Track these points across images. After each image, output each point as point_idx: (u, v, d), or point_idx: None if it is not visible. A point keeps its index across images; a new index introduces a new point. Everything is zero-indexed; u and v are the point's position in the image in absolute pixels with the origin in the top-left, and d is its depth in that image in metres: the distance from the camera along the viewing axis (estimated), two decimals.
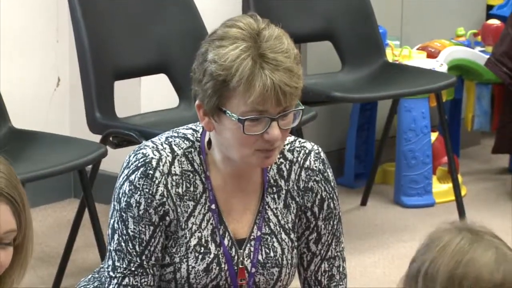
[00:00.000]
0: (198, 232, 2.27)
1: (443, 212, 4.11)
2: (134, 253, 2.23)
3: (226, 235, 2.28)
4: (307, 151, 2.30)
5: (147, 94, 4.10)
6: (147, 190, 2.19)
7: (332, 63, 4.30)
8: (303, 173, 2.29)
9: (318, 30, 4.21)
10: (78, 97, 3.67)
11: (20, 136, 3.44)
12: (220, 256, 2.29)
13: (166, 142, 2.22)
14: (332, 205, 2.32)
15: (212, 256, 2.27)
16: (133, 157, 2.20)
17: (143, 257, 2.23)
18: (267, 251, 2.34)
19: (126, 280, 2.25)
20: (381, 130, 4.36)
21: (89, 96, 3.57)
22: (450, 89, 4.42)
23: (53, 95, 4.15)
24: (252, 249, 2.33)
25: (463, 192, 4.12)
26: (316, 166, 2.29)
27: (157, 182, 2.20)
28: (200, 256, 2.27)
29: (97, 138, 3.53)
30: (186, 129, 2.26)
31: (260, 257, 2.33)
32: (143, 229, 2.22)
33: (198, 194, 2.26)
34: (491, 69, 4.45)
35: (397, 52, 4.42)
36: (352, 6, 4.30)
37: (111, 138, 3.51)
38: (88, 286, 2.48)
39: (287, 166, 2.29)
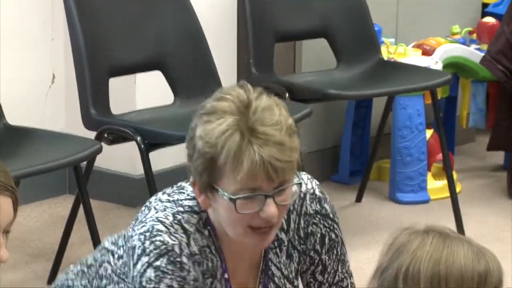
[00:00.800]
0: None
1: (438, 208, 4.12)
2: None
3: None
4: (302, 195, 2.21)
5: (142, 91, 4.12)
6: (177, 274, 2.13)
7: (327, 61, 4.30)
8: (301, 221, 2.23)
9: (313, 28, 4.21)
10: (73, 94, 3.68)
11: (15, 132, 3.44)
12: None
13: (176, 222, 2.13)
14: (333, 235, 2.28)
15: None
16: (151, 245, 2.11)
17: None
18: None
19: None
20: (376, 127, 4.36)
21: (84, 93, 3.58)
22: (445, 87, 4.43)
23: (48, 92, 4.17)
24: None
25: (458, 189, 4.13)
26: (313, 209, 2.23)
27: (187, 267, 2.14)
28: None
29: (92, 134, 3.53)
30: (190, 199, 2.16)
31: None
32: None
33: (215, 269, 2.19)
34: (486, 67, 4.46)
35: (392, 50, 4.42)
36: (347, 4, 4.31)
37: (106, 135, 3.51)
38: (76, 282, 2.44)
39: (285, 217, 2.19)
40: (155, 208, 2.15)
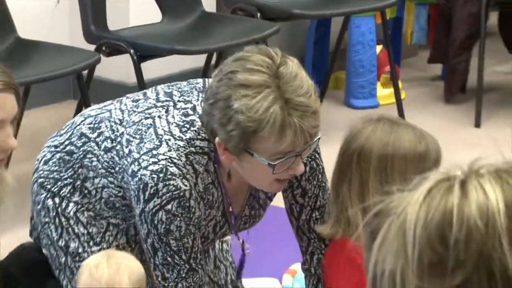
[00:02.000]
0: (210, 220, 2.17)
1: (386, 112, 4.11)
2: (182, 262, 2.12)
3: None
4: None
5: (134, 9, 4.05)
6: (186, 216, 2.06)
7: None
8: None
9: None
10: (76, 12, 3.63)
11: (26, 44, 3.39)
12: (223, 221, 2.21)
13: (188, 162, 2.05)
14: (314, 164, 2.20)
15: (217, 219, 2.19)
16: (164, 188, 2.03)
17: (191, 261, 2.13)
18: (254, 213, 2.27)
19: (180, 285, 2.14)
20: (334, 43, 4.33)
21: (85, 11, 3.61)
22: (393, 8, 4.39)
23: (54, 10, 4.09)
24: (243, 221, 2.26)
25: (402, 96, 4.17)
26: None
27: (193, 210, 2.07)
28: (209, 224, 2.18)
29: (92, 47, 3.48)
30: (201, 139, 2.07)
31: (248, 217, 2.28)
32: (186, 241, 2.10)
33: (214, 202, 2.14)
34: None
35: None
36: None
37: (104, 48, 3.55)
38: (62, 174, 2.28)
39: None
40: (167, 144, 2.05)
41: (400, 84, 4.15)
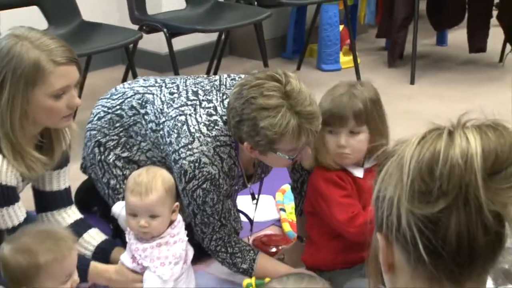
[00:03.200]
0: (233, 186, 2.15)
1: (347, 73, 4.16)
2: (215, 221, 2.09)
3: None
4: None
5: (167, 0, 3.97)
6: (216, 190, 2.05)
7: None
8: None
9: None
10: (124, 1, 3.54)
11: (88, 25, 3.33)
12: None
13: (215, 153, 2.02)
14: None
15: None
16: (199, 173, 2.01)
17: (222, 219, 2.10)
18: (261, 172, 2.24)
19: (214, 236, 2.11)
20: (309, 23, 4.33)
21: (130, 0, 3.52)
22: None
23: None
24: (256, 178, 2.25)
25: (358, 61, 4.14)
26: None
27: (222, 185, 2.05)
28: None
29: (135, 27, 3.44)
30: (224, 135, 2.04)
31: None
32: (217, 206, 2.07)
33: (236, 176, 2.11)
34: None
35: None
36: None
37: (144, 27, 3.45)
38: (110, 131, 2.23)
39: None
40: (199, 140, 2.02)
41: (357, 53, 4.15)
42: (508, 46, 4.12)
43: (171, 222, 2.02)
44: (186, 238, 2.05)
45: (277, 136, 1.89)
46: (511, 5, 3.97)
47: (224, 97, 2.10)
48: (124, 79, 3.45)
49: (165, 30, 3.39)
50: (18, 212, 1.93)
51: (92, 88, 3.53)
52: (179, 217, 2.05)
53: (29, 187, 2.17)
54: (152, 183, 1.97)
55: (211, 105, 2.09)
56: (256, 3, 3.76)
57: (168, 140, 2.10)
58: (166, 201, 1.99)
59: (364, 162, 2.08)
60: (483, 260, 0.84)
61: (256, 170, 2.21)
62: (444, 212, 0.82)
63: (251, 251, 2.14)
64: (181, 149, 2.03)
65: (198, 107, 2.09)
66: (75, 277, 1.77)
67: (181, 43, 3.76)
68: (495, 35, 4.19)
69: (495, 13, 4.15)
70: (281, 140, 1.90)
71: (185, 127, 2.05)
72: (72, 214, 2.17)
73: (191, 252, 2.08)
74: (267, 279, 2.10)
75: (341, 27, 4.31)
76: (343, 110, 1.99)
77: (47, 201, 2.14)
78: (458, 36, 4.50)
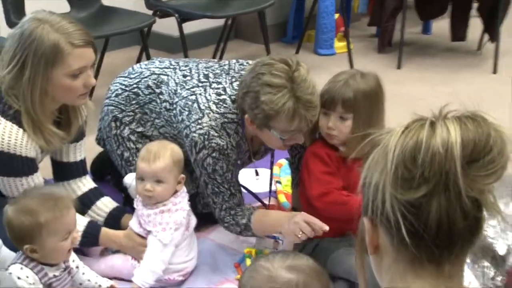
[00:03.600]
0: (241, 159, 2.11)
1: (340, 58, 4.16)
2: (224, 190, 2.04)
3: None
4: None
5: None
6: (225, 159, 2.00)
7: None
8: None
9: None
10: None
11: (107, 9, 3.32)
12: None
13: (222, 128, 1.99)
14: None
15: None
16: (208, 144, 1.98)
17: (231, 188, 2.05)
18: (265, 150, 2.21)
19: (224, 206, 2.06)
20: (308, 11, 4.27)
21: None
22: None
23: None
24: (260, 155, 2.23)
25: (351, 47, 4.12)
26: None
27: (230, 155, 2.01)
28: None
29: (150, 12, 3.40)
30: (231, 113, 2.00)
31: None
32: (227, 175, 2.03)
33: (243, 151, 2.09)
34: None
35: None
36: None
37: (158, 12, 3.43)
38: (127, 107, 2.20)
39: None
40: (208, 116, 2.00)
41: (350, 40, 4.13)
42: (486, 36, 4.09)
43: (175, 192, 2.02)
44: (188, 208, 2.04)
45: (272, 113, 1.88)
46: None
47: (233, 79, 2.08)
48: (139, 59, 3.41)
49: (176, 15, 3.36)
50: (36, 181, 1.94)
51: (110, 66, 3.52)
52: (183, 188, 2.05)
53: (48, 158, 2.18)
54: (161, 152, 1.98)
55: (220, 86, 2.08)
56: None
57: (180, 118, 2.09)
58: (172, 170, 1.99)
59: None
60: (462, 243, 0.83)
61: (260, 148, 2.20)
62: (426, 197, 0.80)
63: (251, 209, 2.11)
64: (192, 124, 2.02)
65: (208, 87, 2.08)
66: (75, 234, 1.78)
67: (191, 27, 3.73)
68: (474, 25, 4.18)
69: (475, 5, 4.12)
70: (275, 118, 1.89)
71: (195, 104, 2.04)
72: (86, 183, 2.18)
73: (193, 221, 2.09)
74: (266, 251, 2.08)
75: (337, 15, 4.27)
76: (333, 95, 1.96)
77: (64, 171, 2.16)
78: (441, 26, 4.48)
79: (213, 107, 2.03)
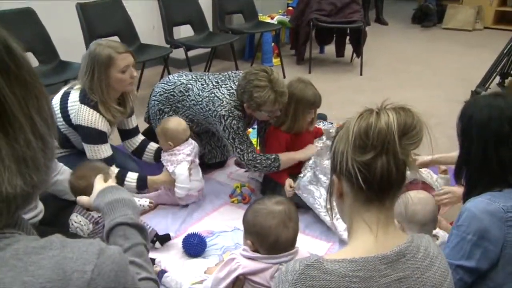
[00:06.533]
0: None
1: (277, 68, 3.78)
2: (246, 139, 1.88)
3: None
4: None
5: (182, 30, 3.70)
6: (242, 122, 1.87)
7: None
8: None
9: None
10: (161, 30, 3.26)
11: (144, 46, 2.98)
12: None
13: (235, 108, 1.85)
14: None
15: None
16: (231, 114, 1.84)
17: (248, 140, 1.89)
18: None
19: (250, 149, 1.88)
20: (257, 41, 3.94)
21: (165, 31, 3.25)
22: None
23: (152, 30, 3.63)
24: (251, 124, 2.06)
25: (282, 61, 3.67)
26: None
27: (242, 121, 1.87)
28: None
29: (167, 46, 3.16)
30: (237, 101, 1.86)
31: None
32: (244, 132, 1.88)
33: (245, 123, 1.90)
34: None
35: None
36: None
37: (172, 46, 3.20)
38: (166, 87, 2.07)
39: None
40: (226, 101, 1.87)
41: (281, 57, 3.79)
42: (354, 54, 4.08)
43: (184, 141, 1.93)
44: (188, 152, 1.93)
45: (262, 102, 1.82)
46: (356, 33, 3.99)
47: (235, 81, 1.99)
48: (162, 74, 3.24)
49: (184, 47, 3.21)
50: (106, 149, 1.85)
51: (146, 77, 3.37)
52: (190, 141, 1.94)
53: (117, 132, 2.05)
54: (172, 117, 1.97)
55: (227, 85, 1.98)
56: (230, 32, 3.58)
57: (207, 108, 1.97)
58: (160, 136, 1.93)
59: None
60: (395, 188, 0.79)
61: (251, 120, 2.07)
62: (374, 158, 0.76)
63: (273, 155, 1.93)
64: (217, 108, 1.91)
65: (220, 88, 1.98)
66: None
67: (191, 52, 3.50)
68: (348, 48, 4.18)
69: (348, 37, 4.09)
70: (264, 105, 1.83)
71: (216, 98, 1.94)
72: (139, 139, 2.13)
73: (197, 160, 1.99)
74: (247, 184, 1.99)
75: (273, 44, 4.09)
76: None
77: (126, 134, 2.10)
78: (330, 48, 4.41)
79: (227, 96, 1.93)
